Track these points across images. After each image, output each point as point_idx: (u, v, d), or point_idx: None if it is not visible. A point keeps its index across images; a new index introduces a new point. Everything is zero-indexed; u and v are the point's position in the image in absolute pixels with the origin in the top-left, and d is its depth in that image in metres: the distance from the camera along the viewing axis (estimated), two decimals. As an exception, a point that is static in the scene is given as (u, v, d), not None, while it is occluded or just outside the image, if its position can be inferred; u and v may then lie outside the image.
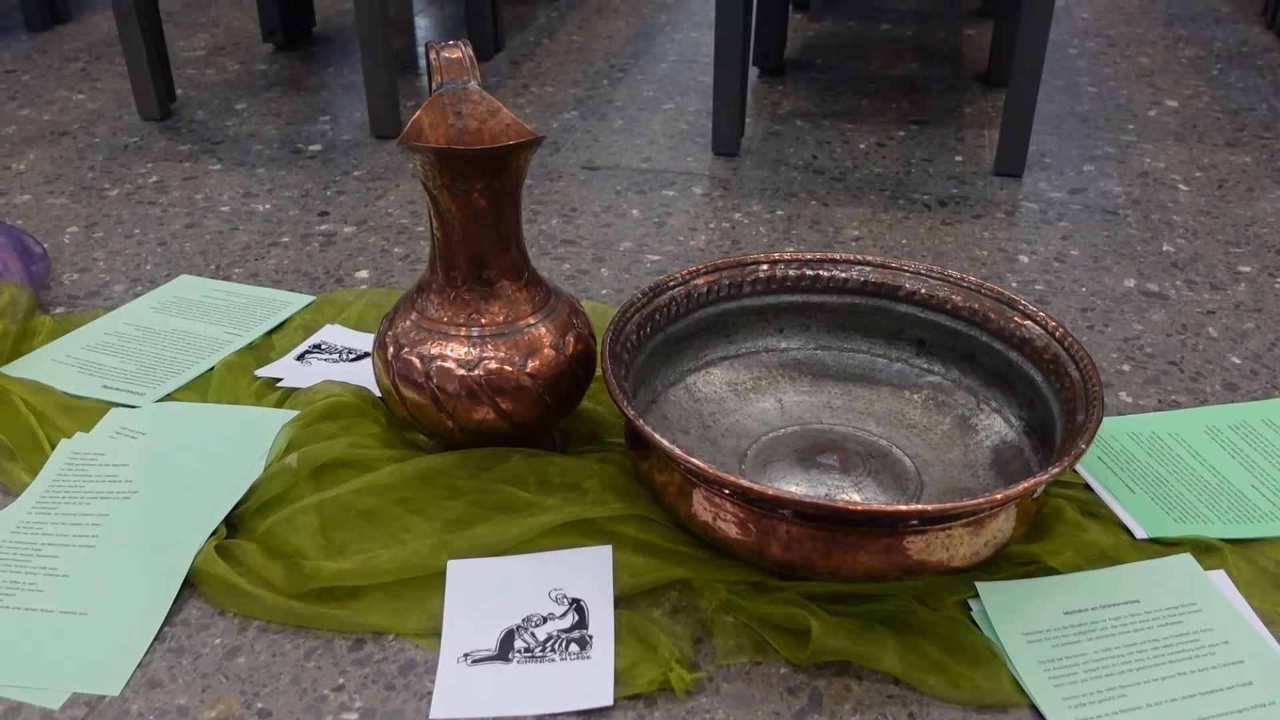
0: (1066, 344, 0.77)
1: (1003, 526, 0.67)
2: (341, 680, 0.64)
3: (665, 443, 0.66)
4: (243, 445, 0.80)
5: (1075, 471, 0.80)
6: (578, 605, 0.67)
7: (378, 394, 0.82)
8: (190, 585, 0.70)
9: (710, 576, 0.69)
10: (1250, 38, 1.87)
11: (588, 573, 0.69)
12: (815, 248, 1.16)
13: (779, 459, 0.79)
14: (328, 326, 0.98)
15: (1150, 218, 1.23)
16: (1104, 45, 1.84)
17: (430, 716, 0.62)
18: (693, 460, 0.64)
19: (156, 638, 0.67)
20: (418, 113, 0.71)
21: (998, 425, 0.81)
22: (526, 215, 1.22)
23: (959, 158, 1.39)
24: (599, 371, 0.75)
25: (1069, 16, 1.99)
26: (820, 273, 0.86)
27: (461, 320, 0.73)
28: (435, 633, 0.67)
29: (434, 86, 0.73)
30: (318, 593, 0.69)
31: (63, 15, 1.92)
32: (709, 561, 0.70)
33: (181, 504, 0.76)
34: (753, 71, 1.67)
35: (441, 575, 0.69)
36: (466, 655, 0.65)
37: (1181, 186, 1.31)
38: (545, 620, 0.67)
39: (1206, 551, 0.72)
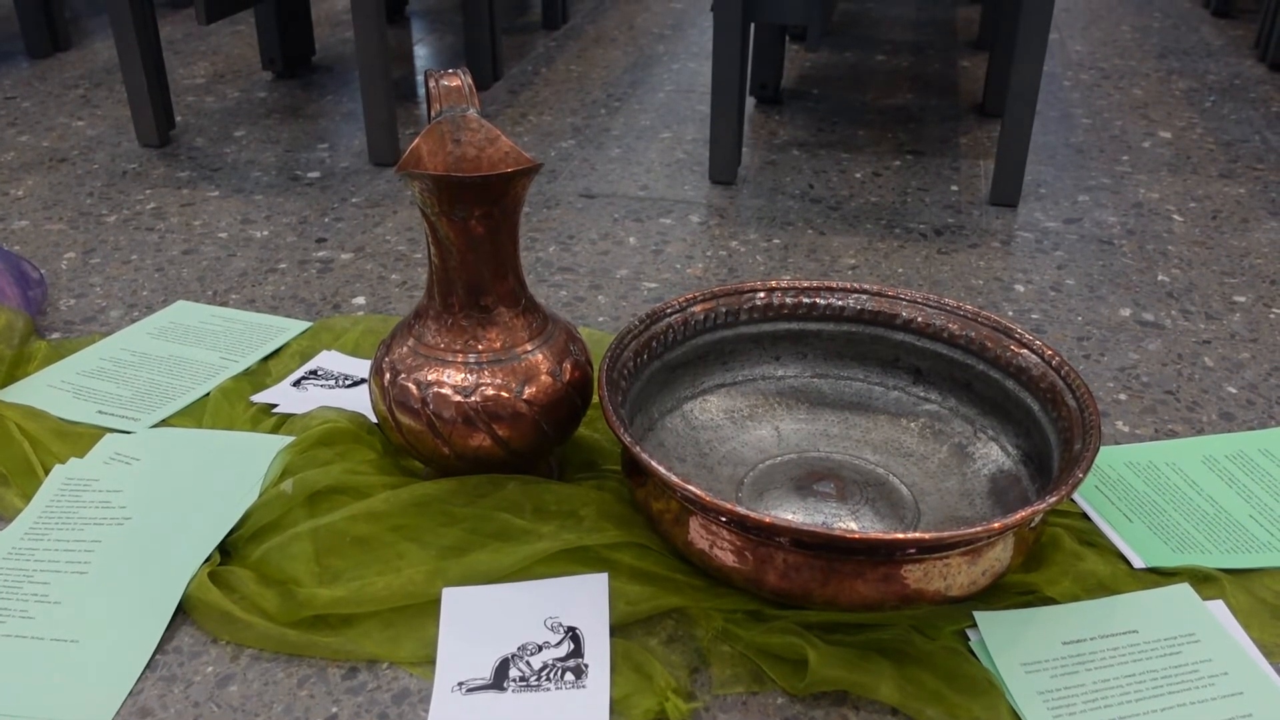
0: (1063, 373, 0.77)
1: (1000, 555, 0.67)
2: (335, 709, 0.64)
3: (662, 470, 0.65)
4: (237, 471, 0.80)
5: (1073, 500, 0.80)
6: (573, 634, 0.67)
7: (374, 420, 0.82)
8: (183, 613, 0.70)
9: (707, 605, 0.69)
10: (1243, 70, 1.88)
11: (584, 601, 0.69)
12: (812, 276, 1.16)
13: (776, 487, 0.79)
14: (324, 353, 0.98)
15: (1145, 248, 1.23)
16: (1098, 77, 1.85)
17: (424, 746, 0.61)
18: (689, 488, 0.64)
19: (148, 666, 0.66)
20: (417, 140, 0.72)
21: (995, 454, 0.80)
22: (524, 243, 1.22)
23: (955, 187, 1.39)
24: (596, 398, 0.75)
25: (1063, 49, 2.01)
26: (817, 300, 0.86)
27: (458, 347, 0.73)
28: (430, 661, 0.66)
29: (433, 114, 0.73)
30: (311, 620, 0.68)
31: (64, 42, 1.93)
32: (706, 590, 0.70)
33: (175, 530, 0.75)
34: (750, 101, 1.68)
35: (436, 603, 0.69)
36: (461, 684, 0.64)
37: (1176, 217, 1.31)
38: (540, 649, 0.66)
39: (1205, 582, 0.72)
